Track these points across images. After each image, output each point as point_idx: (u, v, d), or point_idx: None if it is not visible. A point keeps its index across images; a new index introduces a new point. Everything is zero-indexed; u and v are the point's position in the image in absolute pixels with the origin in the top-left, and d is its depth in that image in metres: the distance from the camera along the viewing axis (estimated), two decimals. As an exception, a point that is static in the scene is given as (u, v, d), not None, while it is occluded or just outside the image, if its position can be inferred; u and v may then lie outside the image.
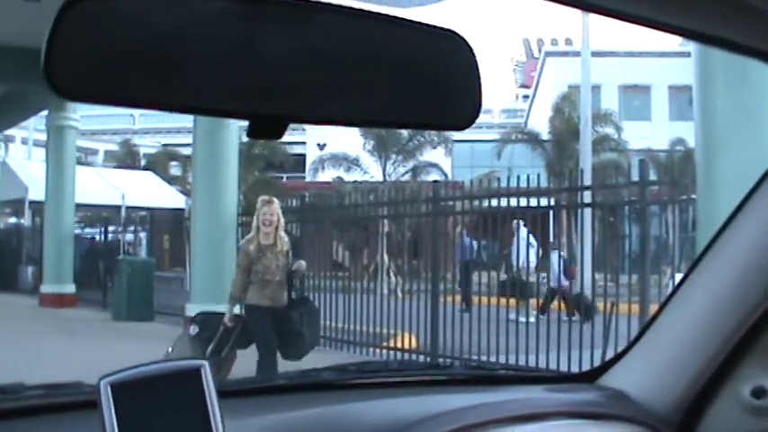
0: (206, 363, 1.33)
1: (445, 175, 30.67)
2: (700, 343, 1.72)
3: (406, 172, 30.64)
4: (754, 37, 1.29)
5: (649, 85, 38.05)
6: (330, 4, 0.90)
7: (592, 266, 11.19)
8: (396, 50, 0.93)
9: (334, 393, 1.82)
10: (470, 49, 0.95)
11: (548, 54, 42.21)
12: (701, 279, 1.74)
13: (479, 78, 0.96)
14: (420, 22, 0.93)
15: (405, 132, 30.82)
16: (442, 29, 0.94)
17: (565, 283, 14.24)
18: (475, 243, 16.44)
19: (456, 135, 36.52)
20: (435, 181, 15.69)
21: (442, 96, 0.96)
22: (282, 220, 9.06)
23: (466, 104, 0.97)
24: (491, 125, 44.37)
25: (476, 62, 0.95)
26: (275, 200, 9.22)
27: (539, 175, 11.66)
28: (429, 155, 31.68)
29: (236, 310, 8.86)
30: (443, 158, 32.66)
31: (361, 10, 0.90)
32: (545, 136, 31.41)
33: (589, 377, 1.96)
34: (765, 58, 1.34)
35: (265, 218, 8.79)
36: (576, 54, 27.76)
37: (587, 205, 11.46)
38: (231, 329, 8.73)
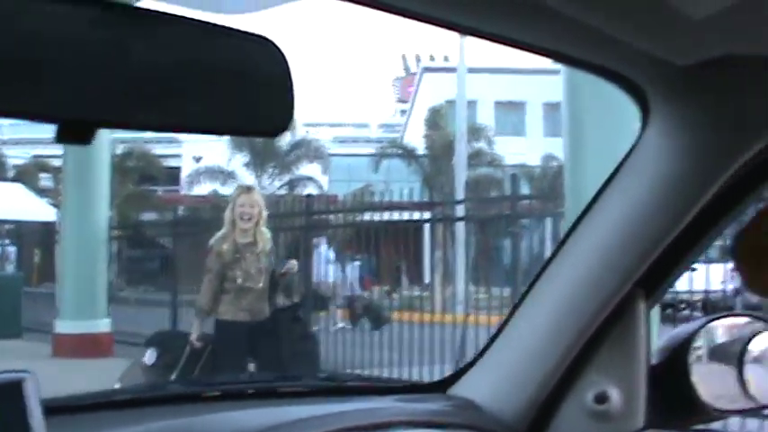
0: (29, 375, 1.25)
1: (321, 188, 30.67)
2: (545, 351, 1.75)
3: (282, 185, 30.55)
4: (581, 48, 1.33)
5: (524, 102, 38.87)
6: (140, 8, 0.88)
7: (465, 279, 11.36)
8: (206, 55, 0.91)
9: (179, 407, 1.78)
10: (283, 56, 0.94)
11: (425, 69, 42.67)
12: (544, 288, 1.77)
13: (292, 85, 0.94)
14: (232, 28, 0.92)
15: (282, 145, 30.78)
16: (254, 35, 0.93)
17: (358, 293, 14.92)
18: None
19: (333, 149, 36.66)
20: (308, 195, 15.70)
21: (254, 102, 0.94)
22: (265, 213, 7.39)
23: (279, 111, 0.95)
24: (369, 140, 44.54)
25: (288, 69, 0.94)
26: (255, 188, 7.79)
27: (411, 190, 11.77)
28: (306, 168, 31.70)
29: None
30: (320, 172, 32.68)
31: (171, 14, 0.88)
32: (422, 151, 31.75)
33: (440, 387, 1.98)
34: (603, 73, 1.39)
35: (243, 210, 7.11)
36: (453, 70, 28.19)
37: (460, 219, 11.68)
38: (200, 351, 7.12)
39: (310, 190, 27.73)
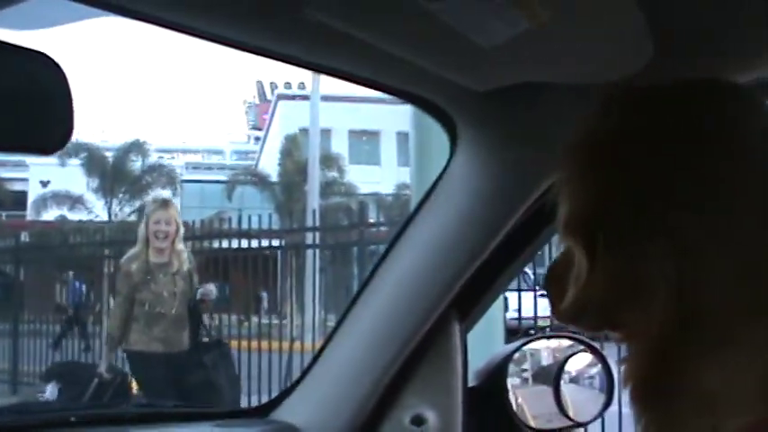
0: None
1: (174, 215, 30.09)
2: (362, 374, 1.75)
3: (133, 211, 29.88)
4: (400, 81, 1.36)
5: (379, 131, 39.27)
6: None
7: (313, 306, 11.35)
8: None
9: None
10: (62, 72, 0.92)
11: (280, 97, 42.55)
12: (361, 312, 1.78)
13: (71, 102, 0.92)
14: (7, 43, 0.89)
15: (134, 170, 30.15)
16: (31, 50, 0.90)
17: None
18: (84, 286, 16.34)
19: (186, 175, 36.14)
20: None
21: (31, 119, 0.91)
22: (182, 231, 6.62)
23: (57, 128, 0.93)
24: (222, 166, 44.07)
25: (68, 85, 0.92)
26: (173, 202, 6.99)
27: (260, 217, 11.68)
28: (158, 194, 31.09)
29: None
30: (173, 198, 32.12)
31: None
32: (276, 178, 31.66)
33: (261, 412, 1.96)
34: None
35: (158, 228, 6.31)
36: (308, 98, 28.24)
37: (312, 246, 11.70)
38: (108, 383, 6.32)
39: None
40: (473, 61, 1.22)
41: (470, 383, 1.80)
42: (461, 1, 1.01)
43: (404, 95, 1.42)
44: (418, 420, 1.74)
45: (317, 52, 1.26)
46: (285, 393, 1.96)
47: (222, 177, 34.80)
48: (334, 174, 30.66)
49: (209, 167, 44.50)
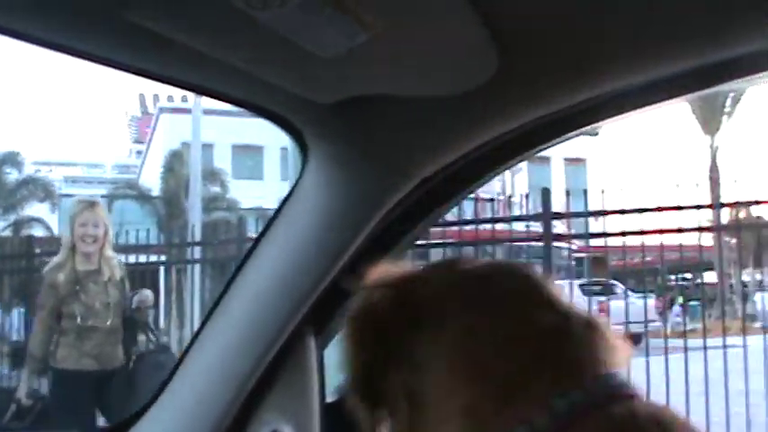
0: None
1: (50, 229, 29.33)
2: (217, 391, 1.72)
3: (7, 227, 28.96)
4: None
5: (262, 146, 39.09)
6: None
7: (191, 321, 11.20)
8: None
9: None
10: None
11: (162, 110, 41.97)
12: (215, 328, 1.75)
13: None
14: None
15: (9, 183, 29.26)
16: None
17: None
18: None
19: (65, 189, 35.21)
20: (30, 236, 14.94)
21: None
22: (111, 234, 6.06)
23: None
24: (102, 180, 43.23)
25: None
26: (100, 202, 6.14)
27: (148, 231, 11.48)
28: (33, 209, 30.27)
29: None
30: (49, 213, 31.28)
31: None
32: (158, 193, 31.18)
33: (118, 430, 1.91)
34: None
35: (86, 231, 5.70)
36: (191, 111, 27.92)
37: (193, 261, 11.57)
38: (27, 410, 5.62)
39: (38, 231, 26.46)
40: (313, 73, 1.21)
41: (330, 399, 1.79)
42: (293, 11, 1.00)
43: (251, 108, 1.41)
44: (275, 437, 1.72)
45: (154, 61, 1.24)
46: (141, 411, 1.91)
47: (102, 191, 34.07)
48: (216, 189, 30.37)
49: (88, 181, 43.53)
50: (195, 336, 1.79)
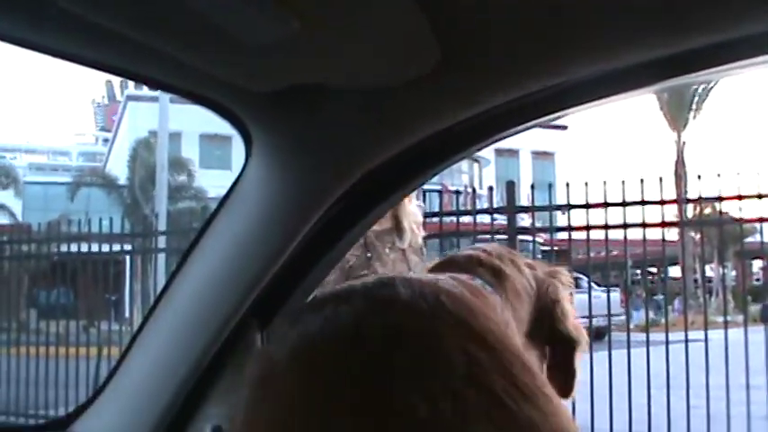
0: None
1: (14, 216, 29.04)
2: (161, 384, 1.70)
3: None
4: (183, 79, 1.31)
5: (231, 135, 38.88)
6: None
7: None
8: None
9: None
10: None
11: (129, 98, 41.62)
12: (159, 320, 1.73)
13: None
14: None
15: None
16: None
17: None
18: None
19: (29, 177, 34.89)
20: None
21: None
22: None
23: None
24: (68, 168, 42.83)
25: None
26: None
27: (111, 220, 11.35)
28: (-1, 195, 29.99)
29: None
30: (14, 200, 30.97)
31: None
32: (124, 181, 30.98)
33: (61, 425, 1.88)
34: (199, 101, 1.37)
35: None
36: (158, 100, 27.71)
37: (159, 251, 11.49)
38: None
39: (2, 218, 26.21)
40: (252, 62, 1.18)
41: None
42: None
43: (193, 98, 1.37)
44: (219, 431, 1.70)
45: (93, 50, 1.20)
46: (86, 405, 1.88)
47: (68, 179, 33.78)
48: (183, 178, 30.21)
49: (54, 168, 43.12)
50: (139, 329, 1.76)
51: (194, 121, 35.57)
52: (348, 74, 1.26)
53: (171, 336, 1.69)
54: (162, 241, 11.78)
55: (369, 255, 4.73)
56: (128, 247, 12.62)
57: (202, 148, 37.71)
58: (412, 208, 4.81)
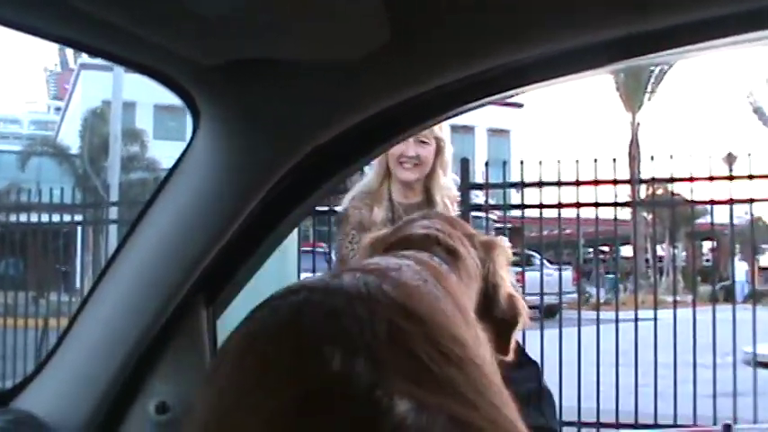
0: None
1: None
2: (105, 360, 1.66)
3: None
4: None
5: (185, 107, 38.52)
6: None
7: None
8: None
9: None
10: None
11: (83, 66, 40.94)
12: (104, 294, 1.69)
13: None
14: None
15: None
16: None
17: None
18: None
19: (-22, 144, 34.29)
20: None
21: None
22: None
23: None
24: (19, 136, 42.12)
25: None
26: None
27: (62, 190, 11.19)
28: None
29: None
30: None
31: None
32: (76, 151, 30.58)
33: (4, 398, 1.83)
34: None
35: None
36: (112, 68, 27.32)
37: (112, 222, 11.40)
38: None
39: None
40: (199, 34, 1.15)
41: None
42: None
43: (139, 68, 1.34)
44: (163, 408, 1.67)
45: (40, 18, 1.17)
46: (28, 379, 1.84)
47: (18, 148, 33.26)
48: (136, 149, 29.90)
49: (4, 137, 42.41)
50: (83, 302, 1.72)
51: (149, 92, 35.24)
52: (298, 48, 1.24)
53: (116, 309, 1.66)
54: (114, 212, 11.64)
55: None
56: (79, 217, 12.49)
57: (156, 118, 37.26)
58: (446, 181, 4.38)
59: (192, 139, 1.51)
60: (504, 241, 1.78)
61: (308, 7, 1.12)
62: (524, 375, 4.15)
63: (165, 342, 1.65)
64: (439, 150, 4.29)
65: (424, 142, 4.14)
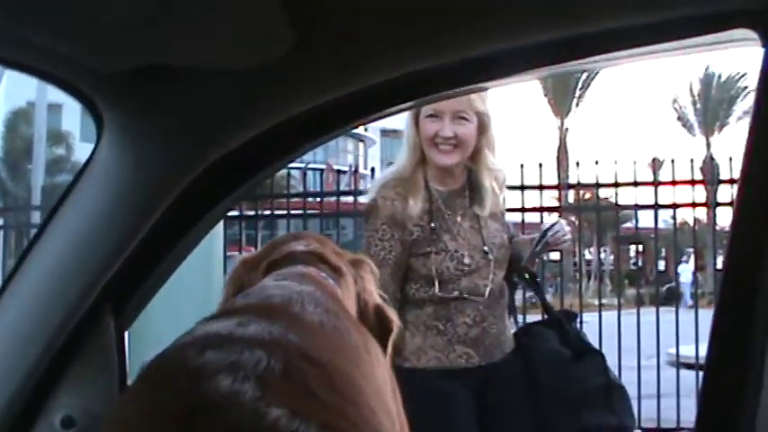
0: None
1: None
2: (9, 372, 1.61)
3: None
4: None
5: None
6: None
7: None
8: None
9: None
10: None
11: (7, 67, 40.20)
12: (7, 304, 1.63)
13: None
14: None
15: None
16: None
17: None
18: None
19: None
20: None
21: None
22: None
23: None
24: (-61, 138, 41.17)
25: None
26: None
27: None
28: None
29: None
30: None
31: None
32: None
33: None
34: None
35: None
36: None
37: (35, 225, 11.16)
38: None
39: None
40: (100, 40, 1.12)
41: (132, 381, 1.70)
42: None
43: (40, 75, 1.30)
44: (68, 422, 1.62)
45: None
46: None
47: (-62, 150, 32.46)
48: (61, 151, 29.39)
49: (-76, 139, 41.34)
50: None
51: (75, 94, 34.69)
52: (202, 55, 1.21)
53: (19, 322, 1.60)
54: (37, 216, 11.39)
55: (432, 225, 3.52)
56: (0, 221, 12.22)
57: (84, 120, 36.68)
58: (494, 162, 3.66)
59: (95, 146, 1.47)
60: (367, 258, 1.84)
61: (211, 14, 1.10)
62: (586, 369, 3.63)
63: (70, 354, 1.60)
64: (482, 127, 3.54)
65: (463, 118, 3.44)
